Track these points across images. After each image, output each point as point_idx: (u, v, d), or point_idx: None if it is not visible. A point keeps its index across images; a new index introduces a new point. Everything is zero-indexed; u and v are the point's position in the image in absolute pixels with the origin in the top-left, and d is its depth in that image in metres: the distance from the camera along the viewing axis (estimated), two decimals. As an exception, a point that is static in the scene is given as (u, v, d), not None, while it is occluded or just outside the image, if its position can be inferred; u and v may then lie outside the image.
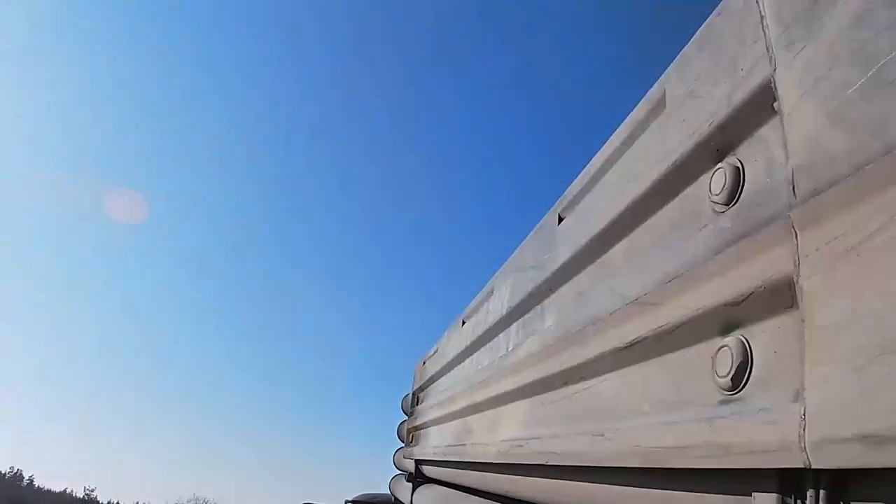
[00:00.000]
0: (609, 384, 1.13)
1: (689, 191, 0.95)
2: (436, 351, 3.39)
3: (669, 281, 0.89)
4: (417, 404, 4.00)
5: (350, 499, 5.24)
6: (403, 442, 4.97)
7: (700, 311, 0.84)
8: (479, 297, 2.41)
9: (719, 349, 0.82)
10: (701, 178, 0.92)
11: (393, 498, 5.40)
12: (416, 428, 3.80)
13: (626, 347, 1.02)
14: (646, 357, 0.99)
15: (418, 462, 3.84)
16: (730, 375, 0.78)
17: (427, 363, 3.74)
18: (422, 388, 3.89)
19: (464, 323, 2.67)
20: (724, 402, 0.80)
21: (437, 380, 3.33)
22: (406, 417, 5.04)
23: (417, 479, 3.98)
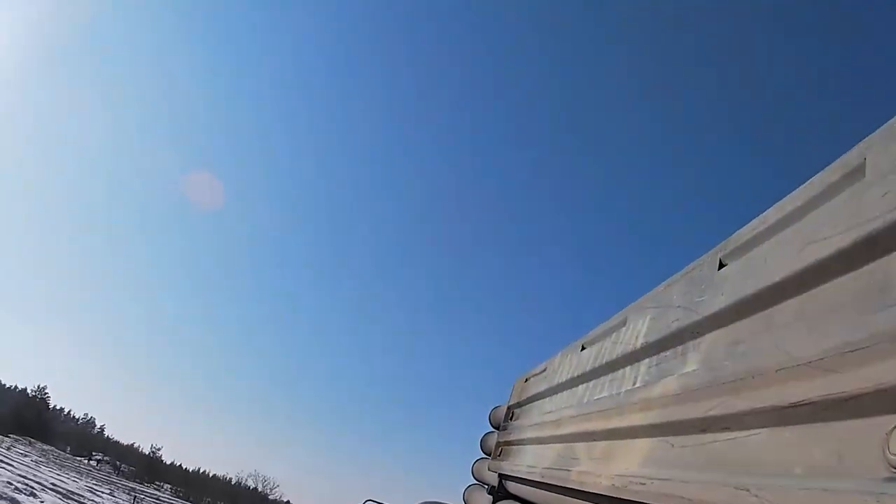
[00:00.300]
0: (759, 440, 1.18)
1: (880, 264, 0.99)
2: (544, 370, 3.47)
3: (853, 350, 0.94)
4: (512, 419, 4.09)
5: (417, 503, 5.41)
6: (487, 454, 5.09)
7: (880, 386, 0.89)
8: (606, 326, 2.48)
9: (895, 427, 0.87)
10: (895, 254, 0.97)
11: None
12: (509, 443, 3.90)
13: (788, 407, 1.08)
14: (808, 420, 1.05)
15: (504, 476, 3.95)
16: (904, 455, 0.83)
17: (530, 380, 3.83)
18: (519, 405, 3.98)
19: (583, 348, 2.74)
20: (891, 480, 0.85)
21: (540, 399, 3.41)
22: (493, 430, 5.15)
23: (499, 493, 4.09)
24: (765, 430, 1.17)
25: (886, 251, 0.98)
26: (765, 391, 1.17)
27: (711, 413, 1.35)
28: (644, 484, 1.58)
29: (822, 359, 1.02)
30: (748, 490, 1.12)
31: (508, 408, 4.22)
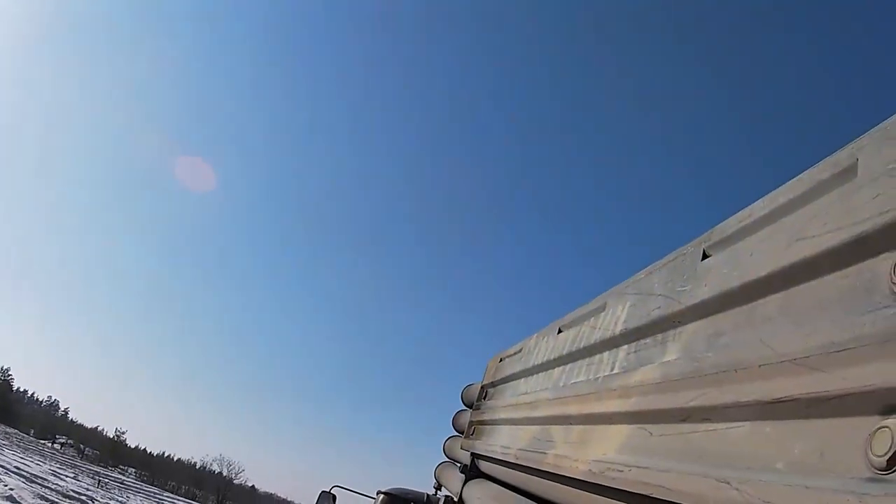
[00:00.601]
0: (740, 433, 1.21)
1: (867, 265, 1.01)
2: (519, 351, 3.51)
3: (838, 351, 0.96)
4: (486, 399, 4.14)
5: (383, 490, 5.49)
6: (459, 432, 5.15)
7: (865, 388, 0.91)
8: (584, 310, 2.50)
9: (878, 428, 0.89)
10: (883, 256, 0.98)
11: (435, 483, 5.62)
12: (482, 423, 3.95)
13: (771, 403, 1.10)
14: (791, 416, 1.07)
15: (476, 456, 4.01)
16: (886, 456, 0.86)
17: (505, 360, 3.86)
18: (493, 384, 4.03)
19: (560, 331, 2.77)
20: (873, 480, 0.87)
21: (515, 380, 3.45)
22: (465, 408, 5.21)
23: (472, 472, 4.16)
24: (747, 423, 1.20)
25: (875, 253, 0.99)
26: (747, 385, 1.19)
27: (692, 404, 1.37)
28: (622, 471, 1.61)
29: (807, 357, 1.03)
30: (729, 483, 1.15)
31: (482, 387, 4.27)
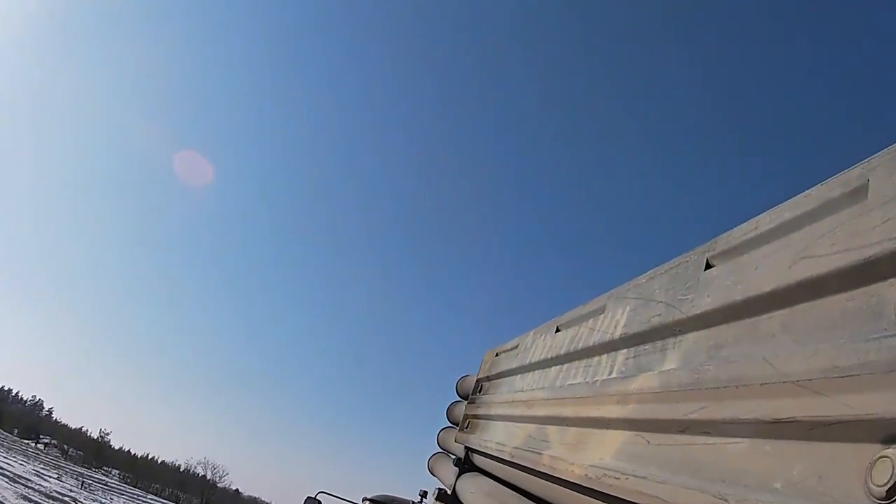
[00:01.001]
0: (738, 449, 1.21)
1: (874, 290, 1.01)
2: (515, 347, 3.51)
3: (842, 376, 0.96)
4: (481, 392, 4.15)
5: (368, 497, 5.52)
6: (454, 423, 5.18)
7: (868, 416, 0.91)
8: (582, 310, 2.50)
9: (879, 457, 0.89)
10: (890, 282, 0.98)
11: (420, 491, 5.66)
12: (476, 416, 3.96)
13: (771, 422, 1.11)
14: (791, 437, 1.07)
15: (471, 449, 4.03)
16: (886, 486, 0.86)
17: (501, 355, 3.87)
18: (489, 379, 4.04)
19: (558, 330, 2.77)
20: (872, 509, 0.88)
21: (511, 376, 3.46)
22: (460, 399, 5.23)
23: (465, 465, 4.18)
24: (746, 440, 1.20)
25: (882, 278, 0.99)
26: (748, 402, 1.19)
27: (692, 416, 1.38)
28: (618, 478, 1.61)
29: (810, 379, 1.04)
30: (727, 500, 1.15)
31: (478, 380, 4.28)
